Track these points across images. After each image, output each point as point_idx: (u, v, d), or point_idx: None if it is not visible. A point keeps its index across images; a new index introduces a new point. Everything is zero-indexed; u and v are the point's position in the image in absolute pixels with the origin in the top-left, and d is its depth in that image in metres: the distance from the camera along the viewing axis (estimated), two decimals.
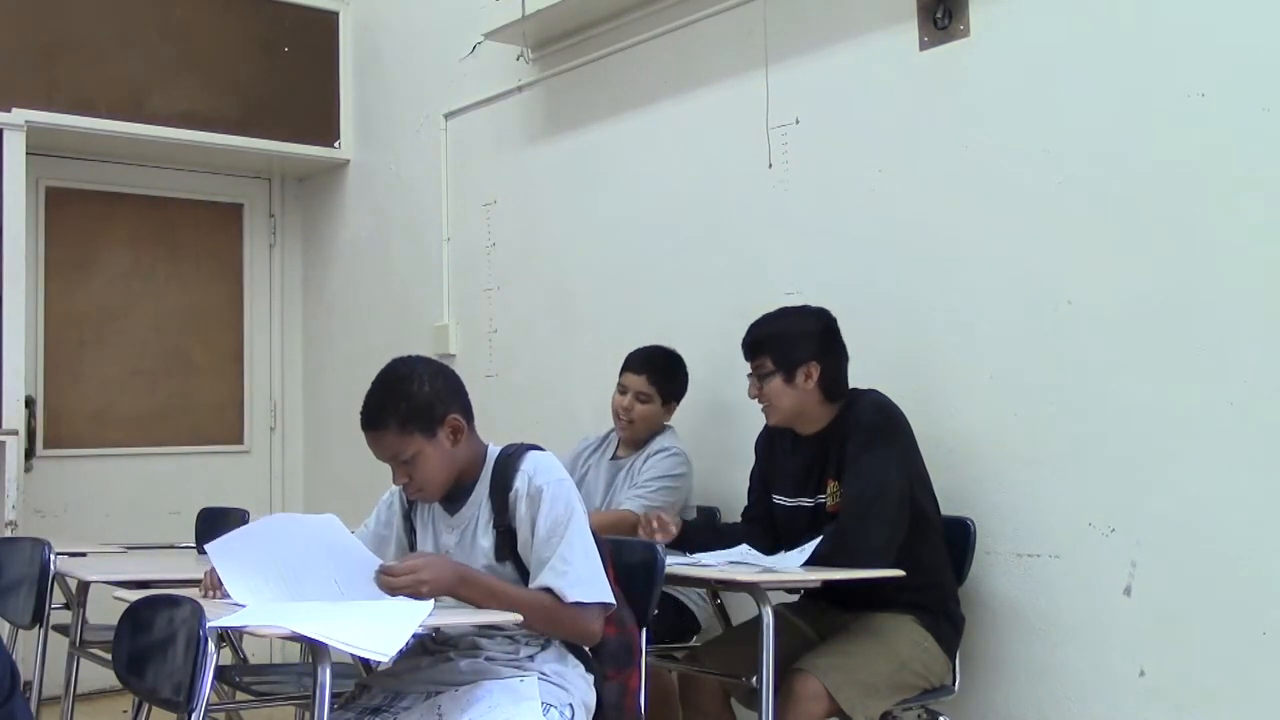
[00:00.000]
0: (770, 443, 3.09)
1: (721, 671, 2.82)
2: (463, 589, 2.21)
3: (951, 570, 2.88)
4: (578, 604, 2.25)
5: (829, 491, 2.83)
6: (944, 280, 3.07)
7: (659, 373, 3.49)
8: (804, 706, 2.57)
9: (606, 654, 2.36)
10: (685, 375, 3.55)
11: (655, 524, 2.91)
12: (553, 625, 2.28)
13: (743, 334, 3.70)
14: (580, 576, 2.25)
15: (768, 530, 2.99)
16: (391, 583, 2.15)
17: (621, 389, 3.51)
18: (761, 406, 2.95)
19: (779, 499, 2.99)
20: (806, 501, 2.89)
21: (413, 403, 2.29)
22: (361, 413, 2.33)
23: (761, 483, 3.08)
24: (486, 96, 4.63)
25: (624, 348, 3.79)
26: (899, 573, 2.63)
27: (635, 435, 3.52)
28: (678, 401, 3.55)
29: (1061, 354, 2.86)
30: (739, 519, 3.15)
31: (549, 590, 2.25)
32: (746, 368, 3.66)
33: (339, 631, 1.94)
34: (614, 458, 3.58)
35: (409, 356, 2.42)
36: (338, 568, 2.21)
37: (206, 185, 5.66)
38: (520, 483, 2.31)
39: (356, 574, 2.19)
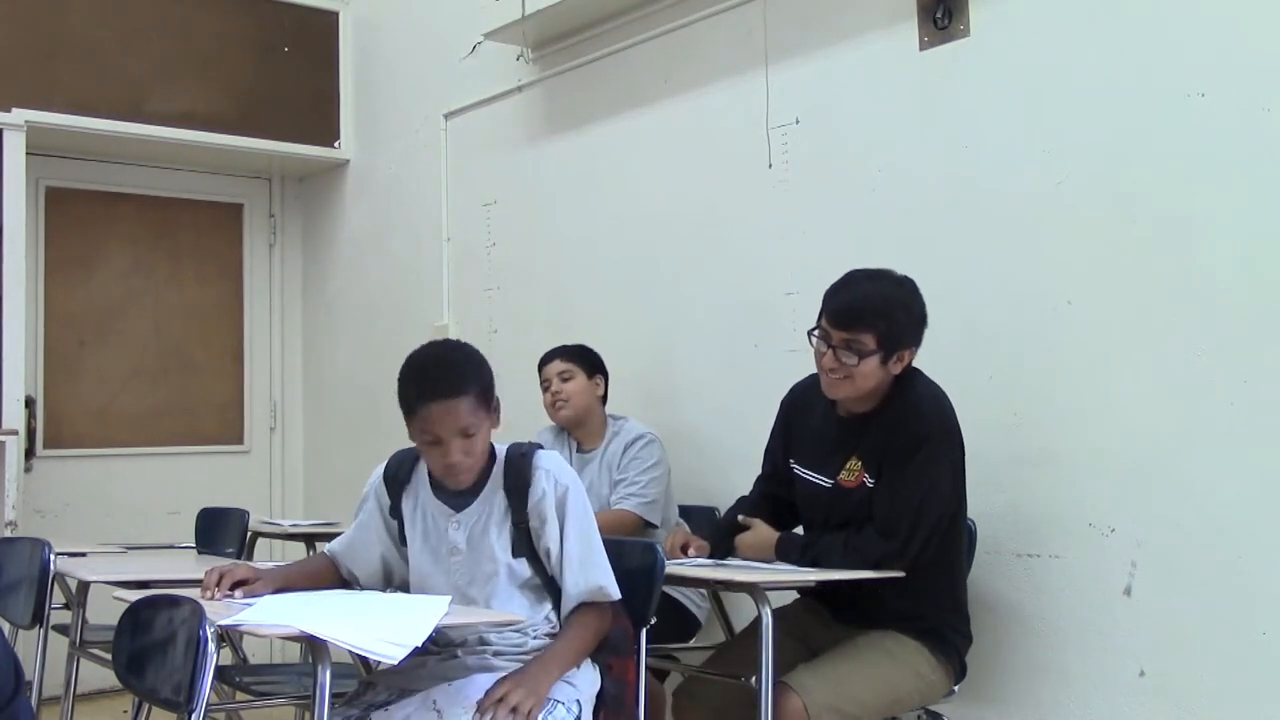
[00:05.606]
0: (795, 405, 2.88)
1: (724, 674, 2.78)
2: (549, 680, 2.18)
3: (966, 590, 2.77)
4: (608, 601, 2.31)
5: (848, 467, 2.68)
6: (944, 280, 3.06)
7: (570, 352, 3.59)
8: None
9: (608, 644, 2.36)
10: (598, 354, 3.62)
11: (691, 550, 2.82)
12: (598, 636, 2.31)
13: (742, 333, 3.67)
14: (609, 574, 2.30)
15: (784, 505, 2.86)
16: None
17: (545, 384, 3.57)
18: (832, 378, 2.62)
19: (799, 469, 2.81)
20: (825, 481, 2.72)
21: (487, 376, 2.28)
22: (426, 381, 2.21)
23: (782, 447, 2.88)
24: (486, 96, 4.63)
25: (624, 347, 3.79)
26: (899, 574, 2.58)
27: (576, 415, 3.54)
28: (604, 377, 3.60)
29: (1061, 354, 2.86)
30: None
31: (588, 603, 2.29)
32: (746, 368, 3.65)
33: (348, 633, 1.92)
34: (580, 451, 3.59)
35: (446, 339, 2.38)
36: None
37: (206, 185, 5.66)
38: (545, 483, 2.29)
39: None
